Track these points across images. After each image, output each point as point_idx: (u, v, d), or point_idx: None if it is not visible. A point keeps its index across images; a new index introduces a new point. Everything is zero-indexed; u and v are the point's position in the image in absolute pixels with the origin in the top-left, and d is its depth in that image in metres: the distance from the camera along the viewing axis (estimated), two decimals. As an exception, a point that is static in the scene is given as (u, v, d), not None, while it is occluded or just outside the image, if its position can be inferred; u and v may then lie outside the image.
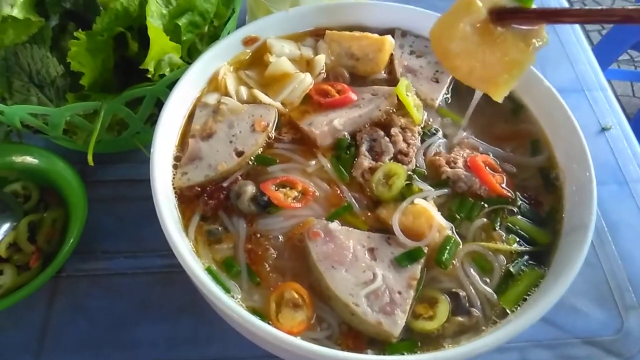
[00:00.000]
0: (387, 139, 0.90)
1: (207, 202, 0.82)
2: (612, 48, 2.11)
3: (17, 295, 0.86)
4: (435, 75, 1.01)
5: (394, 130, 0.91)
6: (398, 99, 0.95)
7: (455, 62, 0.76)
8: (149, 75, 0.92)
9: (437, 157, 0.89)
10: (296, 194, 0.84)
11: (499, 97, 0.76)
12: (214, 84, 0.95)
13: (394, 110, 0.95)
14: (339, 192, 0.86)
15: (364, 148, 0.90)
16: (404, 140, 0.90)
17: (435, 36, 0.79)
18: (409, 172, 0.87)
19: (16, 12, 0.92)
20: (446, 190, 0.86)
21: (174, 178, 0.85)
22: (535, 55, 0.72)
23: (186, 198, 0.84)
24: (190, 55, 1.03)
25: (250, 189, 0.82)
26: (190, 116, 0.92)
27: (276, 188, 0.83)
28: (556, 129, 0.91)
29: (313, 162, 0.88)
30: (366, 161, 0.87)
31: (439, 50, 0.79)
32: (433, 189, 0.85)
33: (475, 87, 0.80)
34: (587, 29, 3.57)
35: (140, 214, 1.03)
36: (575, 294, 1.00)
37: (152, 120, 1.00)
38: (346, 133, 0.91)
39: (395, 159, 0.89)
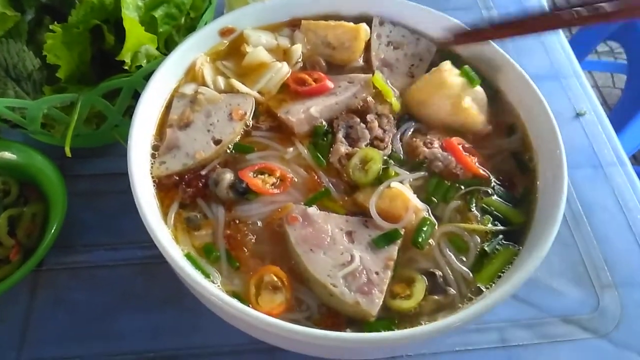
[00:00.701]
0: (363, 125, 0.92)
1: (185, 190, 0.83)
2: (589, 38, 2.15)
3: (-2, 288, 0.87)
4: (410, 69, 1.02)
5: (370, 117, 0.92)
6: (374, 86, 0.96)
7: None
8: (126, 67, 0.92)
9: (414, 139, 0.91)
10: (274, 180, 0.85)
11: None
12: (191, 75, 0.96)
13: (370, 97, 0.96)
14: (316, 177, 0.87)
15: (340, 135, 0.91)
16: (380, 126, 0.91)
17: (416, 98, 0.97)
18: (385, 157, 0.88)
19: (-9, 7, 0.92)
20: (422, 173, 0.87)
21: (152, 167, 0.85)
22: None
23: (165, 186, 0.84)
24: (168, 47, 1.03)
25: (228, 176, 0.83)
26: (168, 106, 0.93)
27: (254, 175, 0.84)
28: (529, 112, 0.93)
29: (291, 149, 0.89)
30: (343, 147, 0.89)
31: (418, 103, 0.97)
32: (409, 173, 0.86)
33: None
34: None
35: (120, 207, 1.03)
36: (553, 275, 1.02)
37: (131, 112, 0.99)
38: (323, 120, 0.93)
39: (371, 144, 0.90)
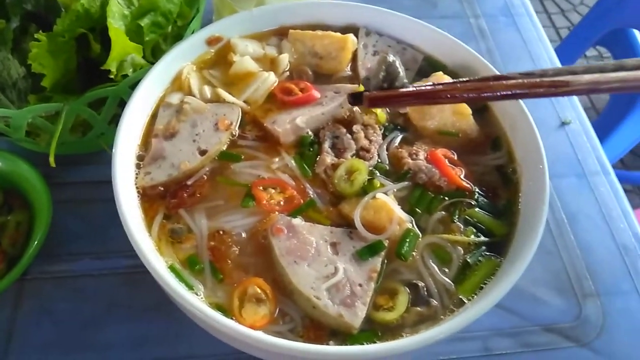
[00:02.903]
0: (349, 136, 0.92)
1: (170, 201, 0.83)
2: (577, 44, 2.17)
3: (-19, 298, 0.86)
4: None
5: (356, 128, 0.93)
6: (360, 96, 0.97)
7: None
8: (112, 76, 0.92)
9: (400, 150, 0.91)
10: (281, 199, 0.85)
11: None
12: (178, 84, 0.96)
13: (357, 107, 0.96)
14: (302, 187, 0.87)
15: (326, 145, 0.91)
16: (366, 136, 0.92)
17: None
18: (371, 168, 0.88)
19: (-24, 15, 0.91)
20: (407, 183, 0.87)
21: (137, 177, 0.85)
22: None
23: (149, 197, 0.84)
24: (155, 55, 1.03)
25: None
26: (154, 116, 0.92)
27: (263, 188, 0.85)
28: (513, 124, 0.93)
29: (277, 159, 0.89)
30: (329, 158, 0.89)
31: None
32: (394, 184, 0.87)
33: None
34: (557, 26, 3.65)
35: (105, 215, 1.03)
36: (536, 284, 1.03)
37: (117, 121, 0.99)
38: (309, 130, 0.93)
39: (357, 155, 0.90)
